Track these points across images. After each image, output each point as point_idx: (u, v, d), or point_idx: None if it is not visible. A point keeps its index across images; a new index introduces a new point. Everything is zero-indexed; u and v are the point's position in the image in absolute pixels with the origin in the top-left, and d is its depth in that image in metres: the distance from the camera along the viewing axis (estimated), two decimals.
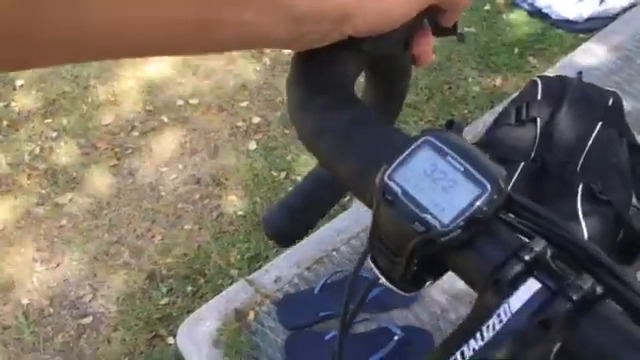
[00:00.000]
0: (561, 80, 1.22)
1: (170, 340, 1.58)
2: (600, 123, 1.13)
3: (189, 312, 1.35)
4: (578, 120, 1.14)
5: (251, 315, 1.15)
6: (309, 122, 0.36)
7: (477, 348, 0.27)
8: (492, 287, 0.28)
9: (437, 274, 0.32)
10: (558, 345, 0.27)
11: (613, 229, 1.05)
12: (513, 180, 1.09)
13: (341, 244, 1.23)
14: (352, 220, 1.28)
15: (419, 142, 0.31)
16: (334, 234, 1.25)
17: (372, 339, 1.08)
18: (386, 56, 0.40)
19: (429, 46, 0.39)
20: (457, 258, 0.30)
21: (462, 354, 0.27)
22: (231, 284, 1.25)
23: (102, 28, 0.27)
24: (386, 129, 0.36)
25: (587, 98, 1.17)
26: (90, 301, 1.69)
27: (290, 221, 0.47)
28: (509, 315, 0.27)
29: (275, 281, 1.19)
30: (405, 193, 0.30)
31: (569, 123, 1.13)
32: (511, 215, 0.30)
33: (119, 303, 1.68)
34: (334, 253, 1.22)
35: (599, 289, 0.27)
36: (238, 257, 1.74)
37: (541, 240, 0.28)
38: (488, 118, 1.28)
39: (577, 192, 1.05)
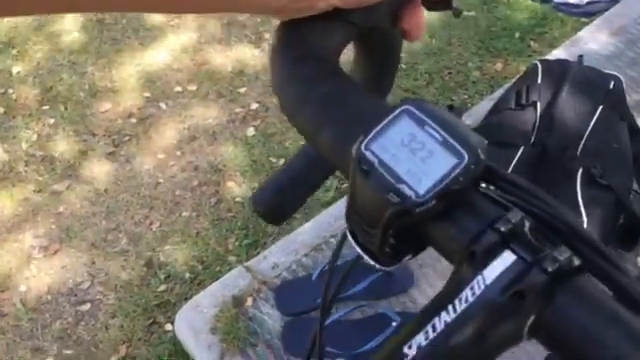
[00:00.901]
0: (562, 64, 1.21)
1: (168, 327, 1.58)
2: (601, 107, 1.12)
3: (187, 299, 1.35)
4: (579, 104, 1.13)
5: (249, 301, 1.15)
6: (291, 93, 0.36)
7: (449, 320, 0.26)
8: (467, 259, 0.27)
9: (416, 248, 0.32)
10: (532, 317, 0.26)
11: (613, 214, 1.04)
12: (512, 165, 1.08)
13: (339, 230, 1.23)
14: None
15: (397, 112, 0.30)
16: (332, 220, 1.25)
17: (370, 325, 1.08)
18: (374, 29, 0.39)
19: (420, 20, 0.38)
20: (434, 230, 0.29)
21: (433, 327, 0.26)
22: (229, 271, 1.25)
23: None
24: (367, 99, 0.35)
25: (588, 82, 1.16)
26: (88, 288, 1.68)
27: (279, 199, 0.46)
28: (482, 287, 0.26)
29: (273, 268, 1.19)
30: (381, 163, 0.29)
31: (570, 107, 1.12)
32: (490, 187, 0.29)
33: (117, 290, 1.67)
34: (332, 240, 1.22)
35: (577, 261, 0.26)
36: (236, 244, 1.74)
37: (518, 211, 0.27)
38: (488, 103, 1.27)
39: (577, 176, 1.04)
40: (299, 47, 0.36)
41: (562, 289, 0.26)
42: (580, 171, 1.05)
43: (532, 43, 2.29)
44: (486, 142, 0.29)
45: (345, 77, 0.36)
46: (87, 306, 1.65)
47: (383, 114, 0.30)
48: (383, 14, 0.37)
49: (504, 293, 0.26)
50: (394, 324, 1.06)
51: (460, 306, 0.26)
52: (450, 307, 0.26)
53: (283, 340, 1.08)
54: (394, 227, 0.29)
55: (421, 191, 0.28)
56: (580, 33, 1.56)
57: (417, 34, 0.39)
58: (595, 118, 1.12)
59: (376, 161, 0.29)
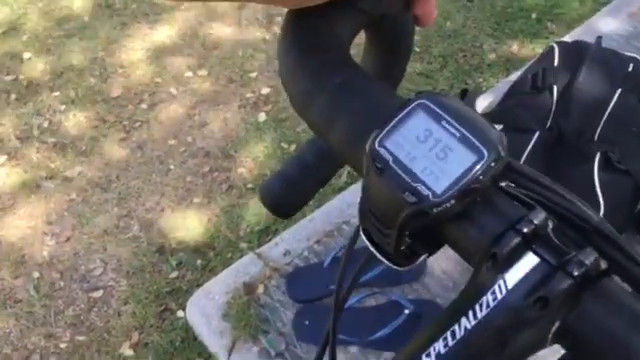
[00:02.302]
0: (579, 46, 1.18)
1: (180, 313, 1.58)
2: (619, 89, 1.10)
3: (199, 286, 1.35)
4: (596, 87, 1.10)
5: (260, 288, 1.15)
6: (300, 86, 0.34)
7: (469, 327, 0.25)
8: (488, 262, 0.26)
9: (432, 247, 0.30)
10: (557, 324, 0.25)
11: (631, 199, 1.02)
12: (528, 149, 1.06)
13: (351, 217, 1.22)
14: None
15: (412, 105, 0.29)
16: (344, 207, 1.24)
17: (382, 313, 1.08)
18: (385, 16, 0.37)
19: (432, 5, 0.36)
20: (452, 230, 0.28)
21: (453, 334, 0.25)
22: (241, 257, 1.25)
23: None
24: (380, 92, 0.33)
25: (606, 64, 1.14)
26: (100, 275, 1.69)
27: (288, 192, 0.45)
28: (504, 292, 0.25)
29: (285, 254, 1.19)
30: (396, 161, 0.28)
31: (587, 90, 1.10)
32: (512, 184, 0.28)
33: (129, 276, 1.68)
34: (344, 226, 1.21)
35: (603, 264, 0.25)
36: (248, 230, 1.73)
37: (541, 211, 0.26)
38: (504, 86, 1.24)
39: (594, 161, 1.02)
40: (308, 37, 0.35)
41: (588, 293, 0.25)
42: (598, 156, 1.03)
43: (549, 24, 2.25)
44: (505, 137, 0.27)
45: (356, 68, 0.35)
46: (99, 293, 1.65)
47: (397, 108, 0.29)
48: (394, 0, 0.36)
49: (527, 298, 0.24)
50: (406, 311, 1.06)
51: (481, 312, 0.25)
52: (470, 313, 0.25)
53: (295, 327, 1.08)
54: (410, 228, 0.28)
55: (439, 191, 0.27)
56: (598, 14, 1.53)
57: (429, 20, 0.37)
58: (613, 101, 1.09)
59: (391, 159, 0.28)
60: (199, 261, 1.69)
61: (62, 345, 1.56)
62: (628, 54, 1.17)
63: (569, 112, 1.08)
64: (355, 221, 1.20)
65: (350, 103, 0.33)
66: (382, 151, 0.28)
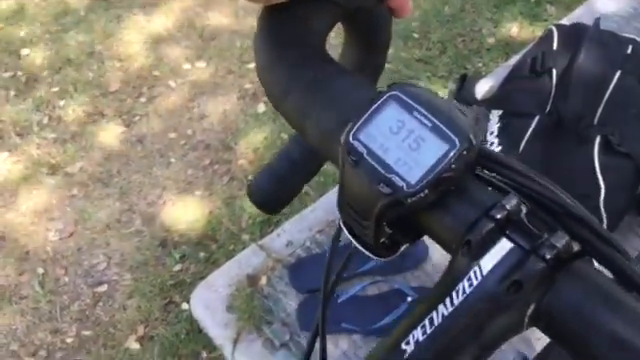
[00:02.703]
0: (578, 28, 1.17)
1: (184, 306, 1.59)
2: (619, 71, 1.09)
3: (202, 278, 1.36)
4: (595, 69, 1.10)
5: (263, 280, 1.15)
6: (276, 80, 0.35)
7: (447, 314, 0.25)
8: (463, 249, 0.26)
9: (412, 237, 0.31)
10: (532, 306, 0.25)
11: (632, 182, 1.02)
12: (528, 134, 1.06)
13: None
14: None
15: (384, 98, 0.29)
16: None
17: (385, 301, 1.08)
18: (361, 9, 0.37)
19: None
20: (428, 220, 0.28)
21: (431, 321, 0.26)
22: (243, 249, 1.25)
23: None
24: (356, 85, 0.33)
25: (605, 46, 1.13)
26: (104, 269, 1.70)
27: (275, 189, 0.45)
28: (480, 278, 0.25)
29: (287, 245, 1.19)
30: (370, 153, 0.28)
31: (586, 73, 1.09)
32: (486, 171, 0.28)
33: (133, 271, 1.69)
34: None
35: (576, 246, 0.25)
36: (249, 222, 1.74)
37: (514, 197, 0.26)
38: (503, 71, 1.24)
39: (594, 145, 1.02)
40: (283, 32, 0.35)
41: (561, 275, 0.25)
42: (598, 139, 1.03)
43: (548, 6, 2.23)
44: (476, 125, 0.27)
45: (331, 61, 0.35)
46: (104, 287, 1.66)
47: (370, 101, 0.29)
48: None
49: (502, 283, 0.25)
50: (409, 299, 1.06)
51: (457, 298, 0.25)
52: (447, 300, 0.26)
53: (299, 317, 1.08)
54: (387, 218, 0.29)
55: (412, 181, 0.27)
56: None
57: (404, 11, 0.37)
58: (613, 84, 1.09)
59: (365, 151, 0.28)
60: (202, 254, 1.69)
61: (68, 340, 1.57)
62: (627, 35, 1.16)
63: (568, 96, 1.07)
64: None
65: (324, 96, 0.33)
66: (356, 144, 0.28)
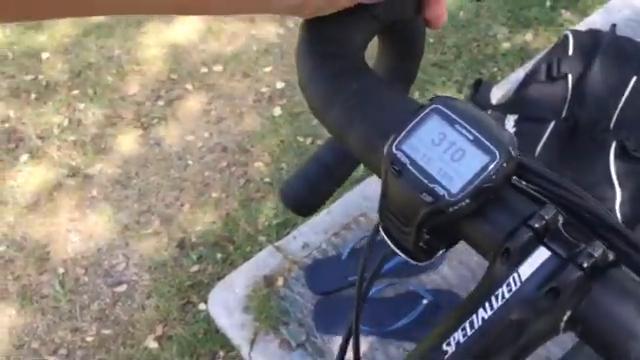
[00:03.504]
0: (593, 34, 1.18)
1: (202, 306, 1.61)
2: (635, 77, 1.10)
3: (219, 279, 1.38)
4: (611, 75, 1.10)
5: (280, 281, 1.16)
6: (318, 91, 0.36)
7: (486, 317, 0.27)
8: (502, 256, 0.27)
9: (449, 243, 0.32)
10: (569, 313, 0.26)
11: None
12: (544, 139, 1.06)
13: (368, 210, 1.23)
14: (379, 185, 1.27)
15: (427, 110, 0.30)
16: (361, 199, 1.25)
17: (401, 303, 1.09)
18: (398, 21, 0.39)
19: (442, 7, 0.38)
20: (467, 227, 0.30)
21: (471, 324, 0.27)
22: (260, 251, 1.27)
23: None
24: (396, 97, 0.35)
25: (621, 52, 1.13)
26: (124, 269, 1.72)
27: (308, 192, 0.47)
28: (518, 284, 0.26)
29: (303, 247, 1.20)
30: (413, 163, 0.29)
31: (602, 79, 1.10)
32: (523, 182, 0.29)
33: (151, 271, 1.71)
34: (361, 218, 1.22)
35: (611, 256, 0.26)
36: (266, 224, 1.75)
37: (552, 207, 0.27)
38: (518, 76, 1.25)
39: (610, 150, 1.02)
40: (324, 44, 0.36)
41: (597, 283, 0.26)
42: (614, 144, 1.03)
43: (564, 12, 2.23)
44: (515, 139, 0.29)
45: (371, 73, 0.36)
46: (123, 287, 1.69)
47: (413, 112, 0.30)
48: (407, 6, 0.37)
49: (540, 290, 0.26)
50: (425, 301, 1.07)
51: (497, 303, 0.27)
52: (487, 304, 0.27)
53: (315, 318, 1.10)
54: (428, 226, 0.30)
55: (454, 190, 0.28)
56: (613, 0, 1.51)
57: (439, 22, 0.38)
58: (629, 89, 1.09)
59: (408, 161, 0.30)
60: (219, 255, 1.71)
61: (88, 339, 1.60)
62: None
63: (584, 101, 1.08)
64: (372, 213, 1.22)
65: (366, 107, 0.34)
66: (399, 154, 0.30)
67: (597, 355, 0.27)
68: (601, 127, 1.06)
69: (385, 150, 0.30)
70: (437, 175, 0.29)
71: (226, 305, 1.16)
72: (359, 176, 1.72)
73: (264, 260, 1.20)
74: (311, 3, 0.33)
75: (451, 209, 0.28)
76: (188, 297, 1.64)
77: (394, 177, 0.30)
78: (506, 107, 1.14)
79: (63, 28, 2.42)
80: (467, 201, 0.28)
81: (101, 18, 2.43)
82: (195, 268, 1.70)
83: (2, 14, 0.26)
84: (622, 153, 1.02)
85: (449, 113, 0.30)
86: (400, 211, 0.31)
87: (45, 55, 2.33)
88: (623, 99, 1.09)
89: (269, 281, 1.17)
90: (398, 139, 0.30)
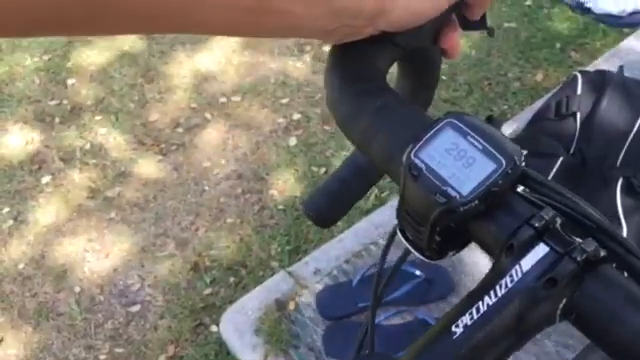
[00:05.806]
0: (601, 74, 1.21)
1: (214, 328, 1.63)
2: None
3: (232, 302, 1.39)
4: (619, 114, 1.13)
5: (291, 305, 1.18)
6: (345, 108, 0.40)
7: (491, 303, 0.30)
8: (506, 251, 0.31)
9: (460, 244, 0.36)
10: (564, 301, 0.30)
11: None
12: (551, 174, 1.09)
13: (379, 238, 1.25)
14: (390, 214, 1.30)
15: (442, 123, 0.34)
16: (372, 228, 1.27)
17: (409, 331, 1.10)
18: (417, 49, 0.43)
19: (457, 39, 0.42)
20: (476, 227, 0.33)
21: (477, 309, 0.30)
22: (272, 275, 1.29)
23: (175, 5, 0.30)
24: (413, 113, 0.39)
25: (628, 92, 1.17)
26: (138, 290, 1.76)
27: (329, 204, 0.51)
28: (520, 275, 0.30)
29: (314, 273, 1.21)
30: (429, 168, 0.33)
31: (610, 117, 1.13)
32: (526, 189, 0.33)
33: (165, 292, 1.74)
34: (372, 247, 1.24)
35: (602, 252, 0.30)
36: (279, 250, 1.79)
37: (550, 210, 0.31)
38: (528, 114, 1.28)
39: (617, 186, 1.05)
40: (350, 68, 0.40)
41: (590, 276, 0.30)
42: (620, 181, 1.05)
43: (573, 54, 2.28)
44: (523, 151, 0.33)
45: (392, 93, 0.40)
46: (137, 307, 1.72)
47: (429, 125, 0.35)
48: (425, 35, 0.41)
49: (539, 280, 0.30)
50: None
51: (500, 291, 0.30)
52: (492, 292, 0.30)
53: (324, 343, 1.10)
54: (441, 224, 0.34)
55: (465, 192, 0.32)
56: (622, 44, 1.55)
57: (455, 53, 0.42)
58: (636, 128, 1.12)
59: (424, 167, 0.33)
60: (232, 278, 1.74)
61: (101, 357, 1.62)
62: None
63: (592, 138, 1.11)
64: (383, 242, 1.24)
65: (388, 122, 0.38)
66: (417, 161, 0.34)
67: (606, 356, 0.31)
68: (608, 163, 1.08)
69: (404, 157, 0.34)
70: (450, 179, 0.33)
71: (238, 327, 1.17)
72: (370, 206, 1.76)
73: (276, 284, 1.22)
74: (341, 30, 0.37)
75: (462, 209, 0.32)
76: (200, 319, 1.67)
77: (411, 181, 0.34)
78: (516, 143, 1.17)
79: (89, 56, 2.50)
80: (476, 202, 0.32)
81: (125, 48, 2.51)
82: (208, 291, 1.72)
83: (65, 27, 0.29)
84: (628, 189, 1.05)
85: (461, 126, 0.34)
86: (416, 211, 0.35)
87: (70, 81, 2.41)
88: (630, 137, 1.11)
89: (280, 305, 1.18)
90: (416, 148, 0.34)
